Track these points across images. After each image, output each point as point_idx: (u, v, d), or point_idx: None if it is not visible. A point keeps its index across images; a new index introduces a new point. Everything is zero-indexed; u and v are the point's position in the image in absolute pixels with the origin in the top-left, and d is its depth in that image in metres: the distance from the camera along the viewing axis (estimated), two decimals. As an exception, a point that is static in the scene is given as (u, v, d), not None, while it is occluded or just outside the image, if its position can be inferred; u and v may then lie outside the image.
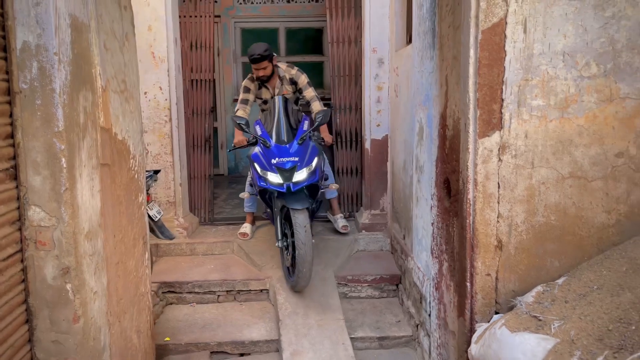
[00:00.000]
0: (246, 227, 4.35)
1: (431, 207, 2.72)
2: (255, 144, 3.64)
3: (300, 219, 3.23)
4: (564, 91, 1.95)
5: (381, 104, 4.13)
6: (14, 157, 1.72)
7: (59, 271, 1.77)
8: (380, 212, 4.30)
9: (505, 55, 1.93)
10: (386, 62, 4.08)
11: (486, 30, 1.92)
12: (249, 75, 4.13)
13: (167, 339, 3.21)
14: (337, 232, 4.34)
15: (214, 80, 4.72)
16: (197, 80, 4.57)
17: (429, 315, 2.83)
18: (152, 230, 3.25)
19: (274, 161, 3.37)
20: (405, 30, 3.81)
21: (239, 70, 7.13)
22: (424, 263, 3.02)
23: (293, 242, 3.30)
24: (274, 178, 3.35)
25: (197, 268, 3.92)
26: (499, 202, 2.00)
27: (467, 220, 2.06)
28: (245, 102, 4.09)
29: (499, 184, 2.00)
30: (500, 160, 1.98)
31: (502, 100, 1.95)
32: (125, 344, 2.28)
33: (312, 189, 3.55)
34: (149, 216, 3.14)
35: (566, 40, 1.93)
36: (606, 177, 1.99)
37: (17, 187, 1.73)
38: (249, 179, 4.15)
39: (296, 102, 4.14)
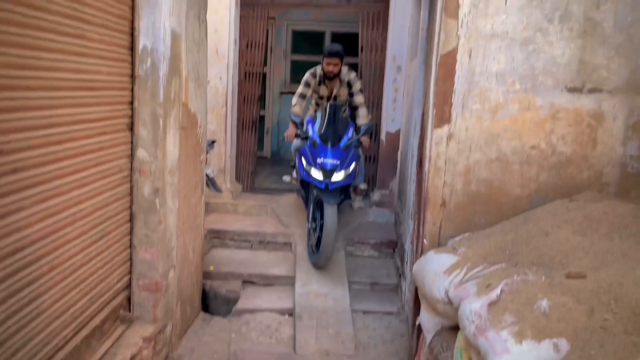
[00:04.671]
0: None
1: (413, 182, 3.61)
2: (304, 139, 4.33)
3: (330, 212, 3.91)
4: (495, 100, 2.81)
5: (396, 103, 5.03)
6: (132, 116, 2.76)
7: (152, 190, 2.80)
8: (389, 193, 5.21)
9: (455, 73, 2.81)
10: (403, 69, 4.97)
11: (443, 55, 2.81)
12: (311, 71, 4.69)
13: (212, 267, 4.25)
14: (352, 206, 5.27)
15: (264, 74, 5.73)
16: (250, 72, 5.60)
17: (406, 263, 3.73)
18: (207, 183, 4.28)
19: (319, 160, 4.03)
20: (417, 44, 4.68)
21: (287, 66, 8.15)
22: (410, 226, 3.91)
23: (321, 226, 4.02)
24: (316, 174, 4.03)
25: (238, 222, 4.95)
26: (445, 174, 2.89)
27: (424, 184, 2.96)
28: (303, 96, 4.67)
29: (445, 161, 2.88)
30: (447, 144, 2.87)
31: (452, 104, 2.84)
32: (184, 254, 3.32)
33: (344, 186, 4.27)
34: (206, 173, 4.17)
35: (499, 65, 2.79)
36: (522, 163, 2.84)
37: (131, 135, 2.77)
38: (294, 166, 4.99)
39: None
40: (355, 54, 5.76)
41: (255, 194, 5.67)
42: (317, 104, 4.94)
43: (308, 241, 4.40)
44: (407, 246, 3.77)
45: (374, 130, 5.39)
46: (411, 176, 3.90)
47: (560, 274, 2.07)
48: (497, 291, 2.05)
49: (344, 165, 4.09)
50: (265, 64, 5.71)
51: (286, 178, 4.97)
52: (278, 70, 8.09)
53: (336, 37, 7.97)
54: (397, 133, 5.08)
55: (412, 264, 3.37)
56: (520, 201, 2.88)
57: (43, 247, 1.99)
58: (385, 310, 3.81)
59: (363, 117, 4.64)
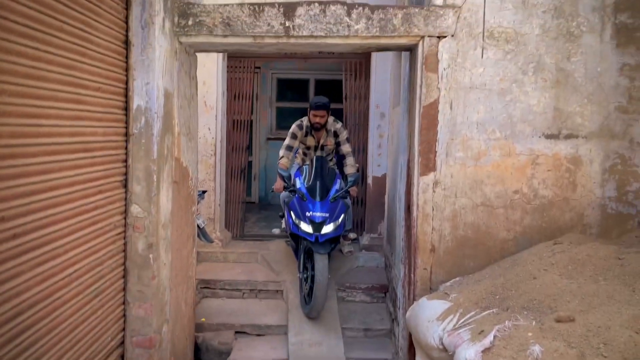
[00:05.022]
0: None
1: (402, 227, 3.68)
2: (293, 191, 4.33)
3: (321, 263, 3.89)
4: (477, 148, 2.93)
5: (381, 148, 5.16)
6: (125, 174, 2.81)
7: (146, 245, 2.83)
8: (378, 236, 5.27)
9: (438, 123, 2.94)
10: (387, 116, 5.13)
11: (426, 106, 2.94)
12: (297, 123, 4.70)
13: (203, 319, 4.21)
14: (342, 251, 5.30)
15: (250, 122, 5.85)
16: (237, 121, 5.72)
17: (399, 308, 3.75)
18: (197, 234, 4.30)
19: (308, 214, 4.04)
20: (399, 93, 4.86)
21: (273, 113, 8.32)
22: (400, 271, 3.95)
23: (312, 277, 4.02)
24: (306, 227, 4.04)
25: (228, 271, 4.94)
26: (433, 219, 2.97)
27: (413, 231, 3.03)
28: (289, 148, 4.66)
29: (433, 207, 2.97)
30: (434, 191, 2.96)
31: (436, 152, 2.95)
32: (177, 307, 3.31)
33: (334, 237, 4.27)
34: (197, 224, 4.20)
35: (479, 115, 2.92)
36: (506, 207, 2.94)
37: (125, 192, 2.82)
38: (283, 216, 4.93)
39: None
40: (339, 101, 5.93)
41: (245, 241, 5.68)
42: (304, 154, 5.02)
43: (301, 292, 4.37)
44: (399, 291, 3.80)
45: (362, 176, 5.50)
46: (399, 221, 3.98)
47: (550, 318, 2.12)
48: (490, 337, 2.09)
49: (333, 218, 4.12)
50: (252, 112, 5.84)
51: (275, 230, 4.98)
52: (264, 117, 8.25)
53: (320, 84, 8.19)
54: (384, 177, 5.18)
55: (405, 309, 3.40)
56: (506, 244, 2.96)
57: (41, 310, 2.00)
58: (380, 358, 3.79)
59: (350, 166, 4.71)
